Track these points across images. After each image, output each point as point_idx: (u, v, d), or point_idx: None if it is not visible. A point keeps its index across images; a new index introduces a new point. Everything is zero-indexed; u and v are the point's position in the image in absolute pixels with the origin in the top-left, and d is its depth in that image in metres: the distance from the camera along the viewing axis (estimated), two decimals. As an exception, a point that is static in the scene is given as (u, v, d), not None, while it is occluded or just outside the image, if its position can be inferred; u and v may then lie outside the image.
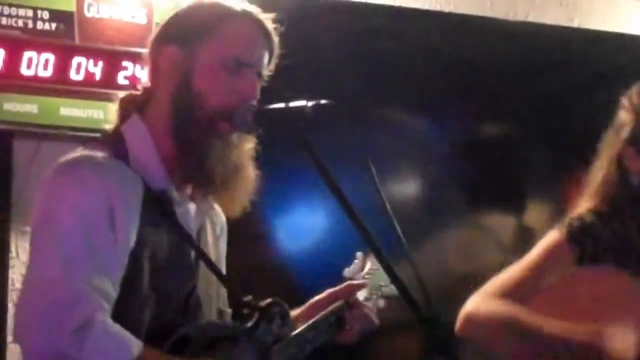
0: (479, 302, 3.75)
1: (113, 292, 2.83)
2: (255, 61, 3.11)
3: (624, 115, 3.87)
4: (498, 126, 5.87)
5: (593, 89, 5.44)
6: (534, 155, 5.64)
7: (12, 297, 4.72)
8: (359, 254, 3.49)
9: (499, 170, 5.74)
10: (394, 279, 2.75)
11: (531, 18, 5.85)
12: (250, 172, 3.14)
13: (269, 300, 3.10)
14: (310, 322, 3.25)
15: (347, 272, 3.46)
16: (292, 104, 2.93)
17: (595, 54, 5.87)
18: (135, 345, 2.78)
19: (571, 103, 5.25)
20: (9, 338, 4.69)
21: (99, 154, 2.98)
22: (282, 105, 2.96)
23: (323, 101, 2.91)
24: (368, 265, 3.48)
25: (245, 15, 3.14)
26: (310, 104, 2.90)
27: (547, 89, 5.74)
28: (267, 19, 3.16)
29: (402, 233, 2.74)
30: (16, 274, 4.76)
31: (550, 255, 3.87)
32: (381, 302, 3.47)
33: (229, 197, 3.14)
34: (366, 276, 3.47)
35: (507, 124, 5.86)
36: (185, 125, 3.03)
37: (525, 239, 4.03)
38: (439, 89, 5.60)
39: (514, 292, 3.82)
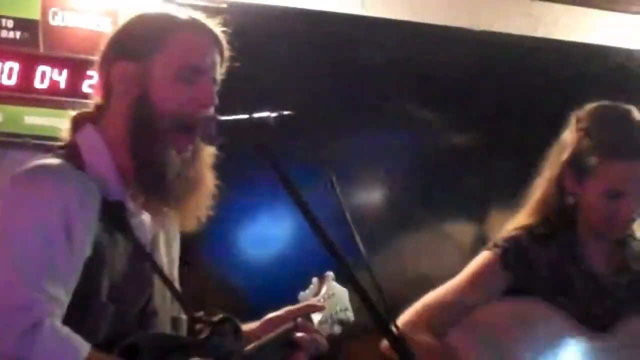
0: (407, 323, 3.71)
1: (66, 299, 2.83)
2: (208, 67, 3.12)
3: (568, 135, 3.88)
4: (462, 135, 5.87)
5: (556, 98, 5.42)
6: (497, 164, 5.65)
7: None
8: (314, 279, 3.45)
9: (461, 179, 5.75)
10: (363, 297, 2.68)
11: (495, 28, 5.86)
12: (209, 185, 3.15)
13: (221, 315, 3.10)
14: (261, 341, 3.22)
15: (301, 296, 3.42)
16: (255, 115, 2.90)
17: (559, 64, 5.87)
18: (84, 348, 2.78)
19: (534, 112, 5.22)
20: None
21: (57, 162, 2.98)
22: (245, 116, 2.94)
23: (286, 112, 2.88)
24: (323, 290, 3.44)
25: (193, 23, 3.16)
26: (273, 115, 2.88)
27: (511, 98, 5.75)
28: (214, 24, 3.17)
29: (362, 241, 2.71)
30: None
31: (483, 279, 3.90)
32: (337, 328, 3.44)
33: (185, 211, 3.14)
34: (321, 300, 3.42)
35: (471, 132, 5.86)
36: (143, 139, 3.04)
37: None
38: (403, 97, 5.61)
39: (446, 312, 3.83)
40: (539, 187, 3.89)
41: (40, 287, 2.79)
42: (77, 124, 3.14)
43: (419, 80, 5.62)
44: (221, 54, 3.16)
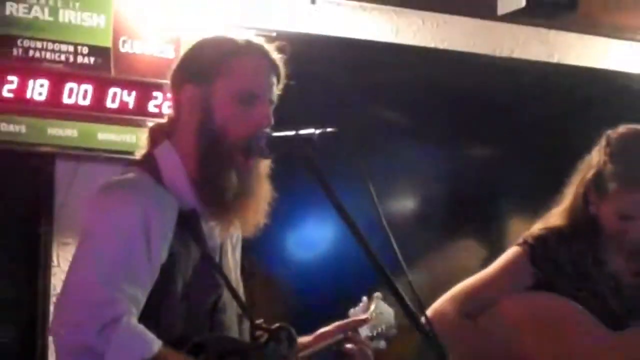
0: (440, 310, 3.81)
1: (142, 299, 2.92)
2: (265, 90, 3.15)
3: (595, 155, 3.86)
4: (485, 151, 5.93)
5: (570, 117, 5.49)
6: (517, 178, 5.67)
7: (54, 297, 4.72)
8: (364, 298, 3.50)
9: (485, 191, 5.81)
10: (409, 314, 2.75)
11: (515, 54, 5.94)
12: (266, 194, 3.20)
13: (278, 324, 3.17)
14: (314, 348, 3.30)
15: (352, 312, 3.46)
16: (301, 132, 2.97)
17: (573, 86, 5.93)
18: (156, 344, 2.84)
19: (551, 131, 5.31)
20: (51, 349, 4.63)
21: (138, 177, 3.07)
22: (292, 132, 3.01)
23: (329, 129, 2.94)
24: (372, 308, 3.48)
25: (252, 48, 3.18)
26: (317, 131, 2.94)
27: (528, 117, 5.80)
28: (272, 49, 3.20)
29: (398, 248, 2.75)
30: (57, 281, 4.74)
31: (513, 272, 3.92)
32: (382, 344, 3.47)
33: (244, 219, 3.19)
34: (373, 315, 3.46)
35: (494, 149, 5.93)
36: (208, 159, 3.09)
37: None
38: (431, 117, 5.68)
39: (475, 301, 3.88)
40: (568, 195, 3.90)
41: (119, 287, 2.85)
42: (155, 137, 3.20)
43: (449, 101, 5.68)
44: (277, 76, 3.18)
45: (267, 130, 3.14)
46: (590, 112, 4.96)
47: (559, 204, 3.99)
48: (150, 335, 2.90)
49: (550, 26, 5.81)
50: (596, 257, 3.89)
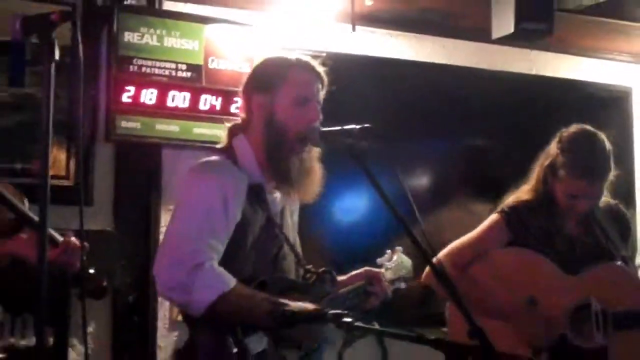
0: (441, 259, 3.73)
1: (221, 249, 3.01)
2: (315, 95, 3.22)
3: (552, 147, 3.93)
4: (481, 142, 5.90)
5: (546, 117, 5.41)
6: (506, 161, 5.64)
7: None
8: (388, 251, 3.56)
9: (483, 173, 5.81)
10: (424, 257, 2.77)
11: (504, 68, 5.92)
12: (318, 172, 3.25)
13: (323, 269, 3.27)
14: (348, 288, 3.35)
15: (379, 260, 3.53)
16: (345, 127, 3.01)
17: (548, 93, 5.91)
18: (231, 281, 2.94)
19: (531, 126, 5.28)
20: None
21: (219, 159, 3.17)
22: (338, 127, 3.06)
23: (366, 125, 2.97)
24: (395, 258, 3.54)
25: (302, 64, 3.25)
26: (357, 127, 2.97)
27: (514, 116, 5.79)
28: (317, 63, 3.27)
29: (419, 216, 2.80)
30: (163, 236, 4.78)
31: (492, 233, 3.97)
32: (403, 285, 3.54)
33: (304, 191, 3.25)
34: (392, 265, 3.52)
35: (488, 141, 5.89)
36: (274, 149, 3.16)
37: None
38: (441, 117, 5.66)
39: (462, 256, 3.93)
40: (533, 176, 3.98)
41: (204, 240, 2.96)
42: (232, 132, 3.27)
43: (451, 103, 5.66)
44: (322, 83, 3.24)
45: (318, 125, 3.20)
46: (561, 112, 4.92)
47: (526, 183, 4.02)
48: (228, 275, 2.99)
49: (531, 47, 5.77)
50: (555, 222, 3.92)
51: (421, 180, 5.66)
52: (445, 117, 5.67)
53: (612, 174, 3.86)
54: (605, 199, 3.97)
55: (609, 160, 3.85)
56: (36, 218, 2.64)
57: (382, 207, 2.75)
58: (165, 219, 4.80)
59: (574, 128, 3.94)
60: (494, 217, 4.00)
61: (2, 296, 4.36)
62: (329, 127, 3.17)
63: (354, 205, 5.17)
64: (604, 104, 6.12)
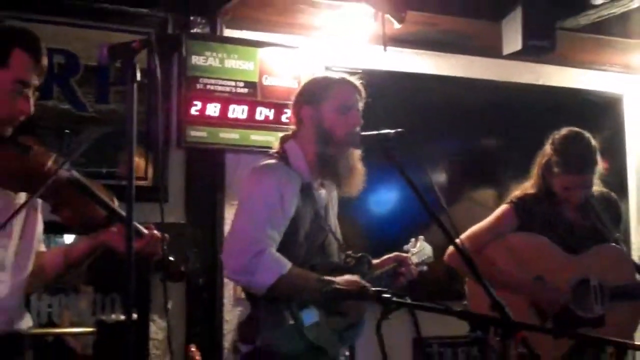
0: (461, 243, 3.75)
1: (278, 239, 3.06)
2: (355, 104, 3.26)
3: (547, 148, 3.98)
4: (493, 143, 5.82)
5: (549, 120, 5.22)
6: (512, 158, 5.57)
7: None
8: (412, 239, 3.59)
9: (488, 168, 5.74)
10: (449, 239, 2.90)
11: (513, 79, 5.85)
12: (360, 170, 3.29)
13: (361, 254, 3.33)
14: (381, 270, 3.39)
15: (405, 247, 3.56)
16: (381, 131, 3.08)
17: (552, 100, 5.82)
18: (288, 264, 3.01)
19: (536, 128, 5.21)
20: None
21: (276, 162, 3.22)
22: (375, 132, 3.13)
23: (400, 129, 3.04)
24: (418, 245, 3.57)
25: (343, 79, 3.31)
26: (392, 131, 3.05)
27: (522, 120, 5.71)
28: (355, 79, 3.34)
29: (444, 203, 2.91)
30: (228, 229, 4.70)
31: (504, 220, 4.00)
32: (425, 268, 3.57)
33: (349, 186, 3.30)
34: (416, 250, 3.55)
35: (499, 142, 5.81)
36: (324, 151, 3.21)
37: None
38: (459, 122, 5.60)
39: (478, 241, 3.93)
40: (534, 172, 4.01)
41: (264, 231, 3.02)
42: (284, 139, 3.33)
43: (469, 109, 5.60)
44: (360, 95, 3.29)
45: (358, 130, 3.24)
46: (563, 116, 4.87)
47: (529, 178, 4.05)
48: (285, 260, 3.05)
49: (536, 61, 5.69)
50: (555, 210, 3.94)
51: (441, 177, 5.59)
52: (462, 122, 5.60)
53: (600, 167, 3.92)
54: (598, 188, 4.01)
55: (596, 155, 3.90)
56: (124, 214, 2.65)
57: (408, 202, 2.78)
58: (229, 213, 4.80)
59: (564, 131, 3.99)
60: (504, 206, 4.03)
61: (94, 279, 4.43)
62: (366, 132, 3.20)
63: (386, 200, 5.12)
64: (599, 108, 6.03)
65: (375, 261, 3.42)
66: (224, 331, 4.79)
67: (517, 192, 4.05)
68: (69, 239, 4.14)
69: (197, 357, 4.38)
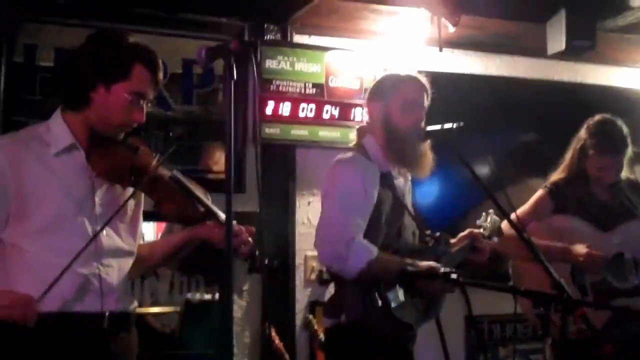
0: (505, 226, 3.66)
1: (364, 226, 3.04)
2: (421, 101, 3.23)
3: (582, 132, 3.97)
4: (536, 137, 5.73)
5: (587, 113, 5.22)
6: (551, 151, 5.31)
7: (299, 230, 4.82)
8: (484, 213, 3.54)
9: (528, 159, 5.56)
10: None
11: (556, 78, 5.78)
12: (429, 156, 3.24)
13: (439, 232, 3.26)
14: (459, 246, 3.34)
15: (478, 222, 3.51)
16: (445, 125, 3.09)
17: (590, 95, 5.74)
18: (375, 250, 2.97)
19: (576, 122, 5.14)
20: (297, 260, 4.80)
21: (356, 155, 3.19)
22: (439, 126, 3.13)
23: (461, 124, 3.05)
24: (489, 219, 3.50)
25: (412, 78, 3.26)
26: (455, 125, 3.05)
27: (563, 114, 5.42)
28: (424, 78, 3.30)
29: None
30: (299, 216, 4.84)
31: (541, 203, 3.98)
32: (496, 239, 3.50)
33: (418, 171, 3.27)
34: (488, 225, 3.49)
35: (541, 136, 5.70)
36: (393, 143, 3.18)
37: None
38: (507, 116, 5.50)
39: (524, 219, 3.84)
40: (568, 157, 4.00)
41: (353, 220, 3.00)
42: (360, 134, 3.30)
43: (516, 106, 5.49)
44: (427, 93, 3.25)
45: (423, 125, 3.21)
46: (598, 111, 4.77)
47: (562, 163, 4.04)
48: (372, 245, 3.03)
49: (575, 60, 5.61)
50: (588, 190, 3.92)
51: (487, 168, 5.44)
52: (507, 118, 5.51)
53: (630, 151, 3.93)
54: (626, 174, 3.99)
55: (627, 139, 3.91)
56: (218, 211, 2.67)
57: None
58: (300, 202, 4.86)
59: (597, 117, 4.01)
60: (540, 192, 4.02)
61: (183, 264, 4.43)
62: (431, 125, 3.20)
63: (449, 184, 4.99)
64: (632, 104, 5.89)
65: (452, 240, 3.36)
66: (295, 310, 4.79)
67: (551, 178, 4.05)
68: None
69: (273, 333, 4.41)
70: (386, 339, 3.06)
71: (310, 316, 4.74)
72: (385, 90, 3.26)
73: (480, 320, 5.32)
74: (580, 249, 3.79)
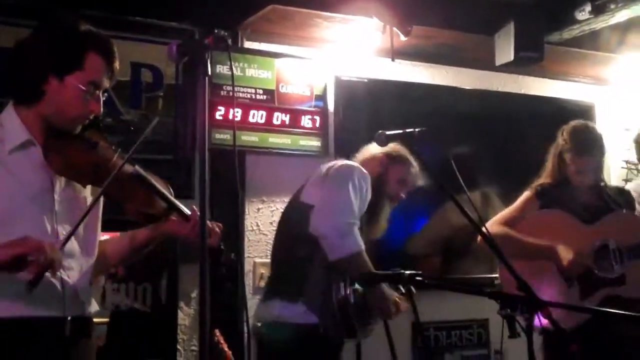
0: (491, 227, 3.78)
1: (358, 223, 3.39)
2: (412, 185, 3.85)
3: (559, 140, 4.03)
4: (475, 147, 5.65)
5: (530, 124, 5.43)
6: (491, 160, 5.54)
7: (248, 237, 4.79)
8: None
9: (468, 171, 5.59)
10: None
11: (501, 89, 5.84)
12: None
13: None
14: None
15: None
16: (407, 130, 3.09)
17: (532, 107, 5.81)
18: (363, 245, 3.34)
19: (519, 131, 5.21)
20: (246, 267, 4.76)
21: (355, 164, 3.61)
22: (400, 131, 3.12)
23: (423, 128, 3.06)
24: None
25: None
26: (417, 130, 3.06)
27: (506, 124, 5.66)
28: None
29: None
30: (248, 222, 4.80)
31: (528, 203, 4.06)
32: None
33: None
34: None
35: (484, 144, 5.64)
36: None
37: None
38: (454, 124, 5.47)
39: (508, 221, 3.99)
40: (549, 164, 4.07)
41: (356, 211, 3.37)
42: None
43: (460, 115, 5.49)
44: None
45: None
46: (541, 122, 4.87)
47: (544, 169, 4.10)
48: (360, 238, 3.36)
49: (518, 72, 5.71)
50: (570, 191, 3.98)
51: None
52: (455, 124, 5.49)
53: (606, 152, 4.05)
54: (614, 184, 4.20)
55: (602, 140, 4.01)
56: (181, 205, 2.62)
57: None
58: (249, 209, 4.82)
59: (572, 122, 4.09)
60: (526, 192, 4.09)
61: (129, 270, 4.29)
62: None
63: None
64: (573, 115, 5.66)
65: None
66: (244, 317, 4.65)
67: (537, 181, 4.11)
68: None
69: (221, 341, 4.31)
70: (328, 339, 3.31)
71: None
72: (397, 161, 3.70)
73: (426, 326, 5.31)
74: (566, 254, 3.84)
